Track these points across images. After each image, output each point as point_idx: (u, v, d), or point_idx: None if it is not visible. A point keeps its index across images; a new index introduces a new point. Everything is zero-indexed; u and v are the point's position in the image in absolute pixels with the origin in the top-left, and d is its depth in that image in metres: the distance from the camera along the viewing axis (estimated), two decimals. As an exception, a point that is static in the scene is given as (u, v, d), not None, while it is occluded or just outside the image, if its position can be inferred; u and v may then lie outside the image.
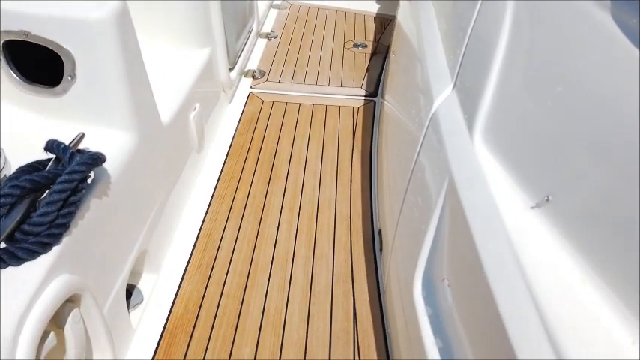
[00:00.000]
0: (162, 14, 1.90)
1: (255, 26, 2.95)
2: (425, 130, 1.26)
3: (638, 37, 0.69)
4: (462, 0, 1.32)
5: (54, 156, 1.10)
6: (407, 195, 1.35)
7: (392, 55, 2.26)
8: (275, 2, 3.59)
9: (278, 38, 3.14)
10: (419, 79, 1.46)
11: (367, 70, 2.83)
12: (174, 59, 1.93)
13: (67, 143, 1.14)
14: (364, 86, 2.67)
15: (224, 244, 1.70)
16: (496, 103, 1.03)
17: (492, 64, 1.04)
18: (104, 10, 1.21)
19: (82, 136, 1.21)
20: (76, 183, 1.02)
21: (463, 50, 1.23)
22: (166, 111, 1.61)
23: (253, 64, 2.83)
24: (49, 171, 1.04)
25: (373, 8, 3.58)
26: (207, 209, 1.84)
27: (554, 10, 0.91)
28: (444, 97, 1.25)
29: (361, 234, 1.76)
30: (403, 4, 2.32)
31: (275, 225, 1.78)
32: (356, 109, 2.48)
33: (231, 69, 2.40)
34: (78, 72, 1.27)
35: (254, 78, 2.70)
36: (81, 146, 1.18)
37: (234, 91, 2.52)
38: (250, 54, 2.86)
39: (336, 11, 3.52)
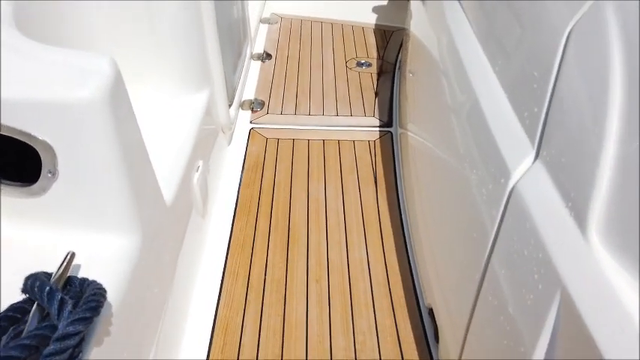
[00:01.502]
0: (157, 60, 1.59)
1: (249, 49, 2.64)
2: (501, 213, 0.99)
3: None
4: (533, 26, 1.04)
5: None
6: (481, 294, 1.08)
7: (409, 75, 1.98)
8: (264, 16, 3.27)
9: (273, 59, 2.83)
10: (469, 124, 1.19)
11: (376, 94, 2.56)
12: (171, 109, 1.63)
13: (51, 272, 0.85)
14: (377, 114, 2.40)
15: (245, 339, 1.41)
16: (618, 187, 0.76)
17: (604, 127, 0.77)
18: (90, 87, 0.91)
19: (72, 256, 0.90)
20: (69, 352, 0.73)
21: (546, 106, 0.96)
22: (169, 187, 1.32)
23: (250, 93, 2.52)
24: (30, 335, 0.74)
25: (371, 19, 3.30)
26: (220, 290, 1.55)
27: None
28: (525, 168, 0.98)
29: (406, 311, 1.50)
30: (416, 13, 2.04)
31: (303, 307, 1.50)
32: (372, 144, 2.21)
33: (229, 105, 2.10)
34: (60, 167, 0.96)
35: (253, 111, 2.39)
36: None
37: (234, 130, 2.21)
38: (246, 81, 2.55)
39: (332, 24, 3.23)
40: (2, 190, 1.01)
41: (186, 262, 1.48)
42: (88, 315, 0.77)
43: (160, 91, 1.65)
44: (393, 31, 3.14)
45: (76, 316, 0.75)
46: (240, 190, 1.94)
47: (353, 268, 1.64)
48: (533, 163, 0.96)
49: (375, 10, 3.45)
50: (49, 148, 0.94)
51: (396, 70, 2.76)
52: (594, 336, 0.65)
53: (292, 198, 1.90)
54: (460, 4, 1.50)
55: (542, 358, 0.80)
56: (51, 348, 0.72)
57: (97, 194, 1.01)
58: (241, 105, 2.40)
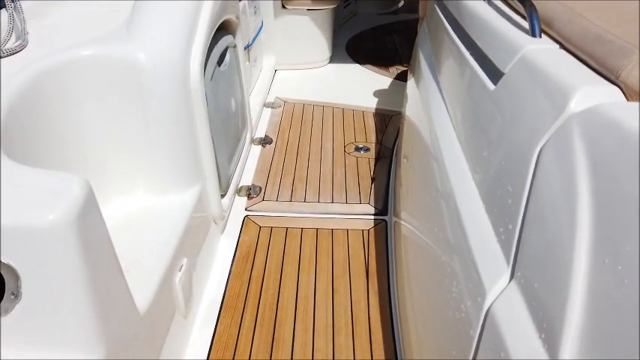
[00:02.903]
0: (149, 158, 1.63)
1: (248, 135, 2.72)
2: (478, 334, 0.95)
3: None
4: (502, 136, 1.04)
5: None
6: None
7: (403, 160, 1.99)
8: (268, 101, 3.40)
9: (273, 144, 2.90)
10: (452, 232, 1.16)
11: (373, 180, 2.58)
12: (160, 206, 1.65)
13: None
14: (372, 202, 2.39)
15: None
16: (591, 322, 0.71)
17: (574, 257, 0.73)
18: (56, 211, 0.92)
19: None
20: None
21: (519, 224, 0.93)
22: (145, 293, 1.30)
23: (248, 179, 2.56)
24: None
25: (372, 103, 3.40)
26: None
27: None
28: (500, 288, 0.94)
29: None
30: (410, 98, 2.08)
31: (283, 421, 1.42)
32: (366, 233, 2.19)
33: (222, 195, 2.12)
34: (24, 290, 0.96)
35: (249, 197, 2.42)
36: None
37: (227, 219, 2.22)
38: (244, 167, 2.60)
39: (333, 108, 3.33)
40: (-34, 310, 1.01)
41: (163, 368, 1.43)
42: None
43: (151, 191, 1.68)
44: (391, 116, 3.22)
45: None
46: (229, 282, 1.90)
47: (338, 374, 1.56)
48: (508, 283, 0.93)
49: (377, 94, 3.56)
50: (13, 272, 0.94)
51: (393, 155, 2.79)
52: None
53: (281, 293, 1.86)
54: (445, 105, 1.53)
55: None
56: None
57: (60, 313, 0.99)
58: (238, 191, 2.43)
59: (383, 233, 2.19)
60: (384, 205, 2.37)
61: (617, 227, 0.65)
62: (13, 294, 0.96)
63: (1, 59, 1.46)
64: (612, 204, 0.67)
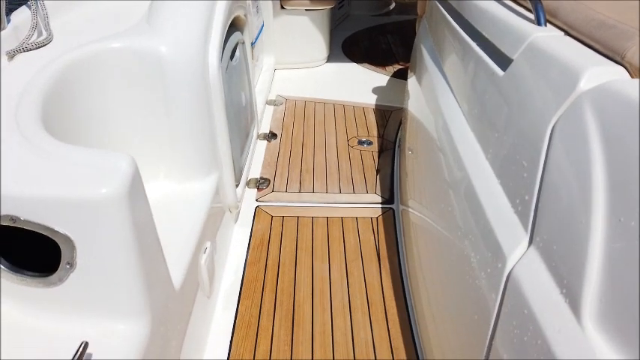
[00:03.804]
0: (170, 149, 1.70)
1: (255, 130, 2.79)
2: (500, 297, 1.03)
3: None
4: (517, 118, 1.12)
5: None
6: None
7: (408, 152, 2.08)
8: (270, 99, 3.47)
9: (278, 138, 2.97)
10: (467, 207, 1.25)
11: (377, 171, 2.66)
12: (182, 193, 1.71)
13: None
14: (378, 191, 2.48)
15: None
16: (609, 274, 0.80)
17: (590, 216, 0.82)
18: (110, 185, 0.99)
19: (85, 346, 0.94)
20: None
21: (536, 194, 1.02)
22: (178, 271, 1.36)
23: (256, 172, 2.63)
24: None
25: (371, 100, 3.49)
26: (226, 375, 1.55)
27: None
28: (520, 253, 1.02)
29: (413, 395, 1.49)
30: (413, 94, 2.17)
31: (309, 392, 1.49)
32: (375, 220, 2.27)
33: (236, 185, 2.19)
34: (78, 259, 1.02)
35: (258, 189, 2.49)
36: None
37: (240, 209, 2.29)
38: (252, 160, 2.67)
39: (334, 104, 3.41)
40: (21, 280, 1.06)
41: (192, 345, 1.49)
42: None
43: (172, 177, 1.74)
44: (392, 111, 3.31)
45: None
46: (246, 268, 1.97)
47: (359, 350, 1.64)
48: (528, 248, 1.01)
49: (375, 91, 3.66)
50: (69, 242, 1.00)
51: (396, 147, 2.88)
52: None
53: (297, 276, 1.93)
54: (453, 94, 1.62)
55: None
56: None
57: (110, 284, 1.06)
58: (248, 183, 2.50)
59: (391, 220, 2.27)
60: (390, 195, 2.45)
61: (629, 189, 0.73)
62: (69, 263, 1.02)
63: (31, 51, 1.52)
64: (624, 169, 0.75)
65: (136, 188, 1.05)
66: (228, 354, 1.61)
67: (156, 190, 1.69)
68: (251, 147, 2.60)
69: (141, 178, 1.09)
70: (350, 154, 2.82)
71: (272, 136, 2.99)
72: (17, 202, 0.98)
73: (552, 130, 0.96)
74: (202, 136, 1.77)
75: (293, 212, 2.32)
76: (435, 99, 1.69)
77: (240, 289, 1.87)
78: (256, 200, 2.40)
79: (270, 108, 3.35)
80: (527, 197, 1.04)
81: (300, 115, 3.27)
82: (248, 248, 2.08)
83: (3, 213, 0.98)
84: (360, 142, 2.95)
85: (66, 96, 1.42)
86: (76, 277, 1.04)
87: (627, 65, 0.92)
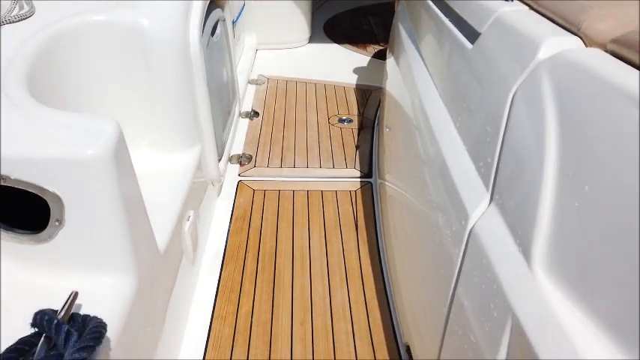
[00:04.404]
0: (153, 120, 1.75)
1: (237, 107, 2.84)
2: (462, 251, 1.12)
3: None
4: (480, 89, 1.21)
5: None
6: (449, 326, 1.19)
7: (386, 130, 2.16)
8: (252, 78, 3.51)
9: (260, 117, 3.03)
10: (436, 174, 1.34)
11: (357, 147, 2.74)
12: (165, 163, 1.77)
13: (57, 309, 0.95)
14: (357, 166, 2.56)
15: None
16: (557, 225, 0.90)
17: (543, 175, 0.91)
18: (98, 145, 1.05)
19: (75, 295, 1.01)
20: (76, 377, 0.82)
21: (497, 157, 1.11)
22: (162, 235, 1.43)
23: (238, 148, 2.69)
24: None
25: (352, 79, 3.56)
26: (209, 333, 1.63)
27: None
28: (481, 211, 1.12)
29: (385, 350, 1.59)
30: (391, 74, 2.25)
31: (288, 349, 1.58)
32: (353, 193, 2.36)
33: (219, 159, 2.25)
34: (67, 217, 1.08)
35: (241, 164, 2.55)
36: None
37: (223, 183, 2.35)
38: (235, 137, 2.72)
39: (315, 84, 3.47)
40: (13, 237, 1.12)
41: (177, 305, 1.56)
42: (91, 344, 0.86)
43: (155, 147, 1.80)
44: (372, 90, 3.39)
45: (81, 345, 0.85)
46: (229, 238, 2.05)
47: (335, 310, 1.73)
48: (488, 206, 1.10)
49: (356, 71, 3.72)
50: (58, 200, 1.06)
51: (375, 125, 2.96)
52: (540, 356, 0.76)
53: (278, 244, 2.02)
54: (427, 69, 1.70)
55: None
56: (58, 374, 0.81)
57: (98, 240, 1.12)
58: (230, 159, 2.56)
59: (369, 193, 2.36)
60: (369, 169, 2.54)
61: (578, 148, 0.82)
62: (58, 220, 1.08)
63: (13, 23, 1.55)
64: (574, 129, 0.84)
65: (120, 151, 1.11)
66: (212, 313, 1.69)
67: (139, 159, 1.74)
68: (233, 123, 2.66)
69: (125, 142, 1.15)
70: (331, 132, 2.89)
71: (254, 114, 3.05)
72: (7, 162, 1.03)
73: (513, 97, 1.05)
74: (184, 108, 1.82)
75: (274, 186, 2.40)
76: (411, 76, 1.76)
77: (224, 256, 1.95)
78: (239, 175, 2.47)
79: (252, 87, 3.40)
80: (489, 160, 1.13)
81: (282, 94, 3.32)
82: (231, 219, 2.16)
83: (-7, 172, 1.04)
84: (341, 120, 3.02)
85: (51, 68, 1.46)
86: (65, 233, 1.10)
87: (582, 36, 1.01)
